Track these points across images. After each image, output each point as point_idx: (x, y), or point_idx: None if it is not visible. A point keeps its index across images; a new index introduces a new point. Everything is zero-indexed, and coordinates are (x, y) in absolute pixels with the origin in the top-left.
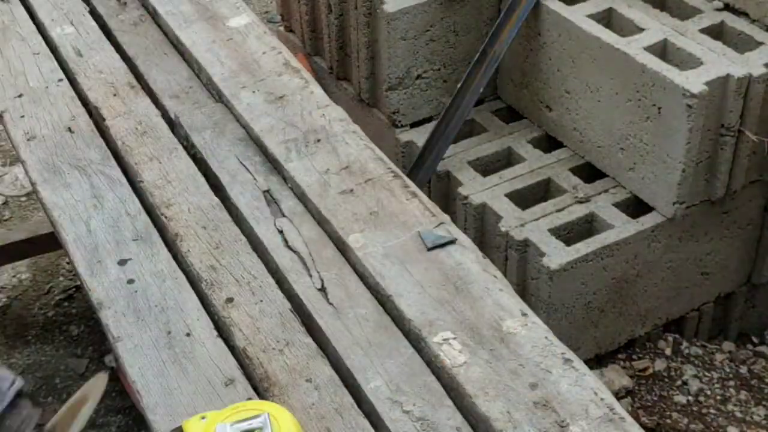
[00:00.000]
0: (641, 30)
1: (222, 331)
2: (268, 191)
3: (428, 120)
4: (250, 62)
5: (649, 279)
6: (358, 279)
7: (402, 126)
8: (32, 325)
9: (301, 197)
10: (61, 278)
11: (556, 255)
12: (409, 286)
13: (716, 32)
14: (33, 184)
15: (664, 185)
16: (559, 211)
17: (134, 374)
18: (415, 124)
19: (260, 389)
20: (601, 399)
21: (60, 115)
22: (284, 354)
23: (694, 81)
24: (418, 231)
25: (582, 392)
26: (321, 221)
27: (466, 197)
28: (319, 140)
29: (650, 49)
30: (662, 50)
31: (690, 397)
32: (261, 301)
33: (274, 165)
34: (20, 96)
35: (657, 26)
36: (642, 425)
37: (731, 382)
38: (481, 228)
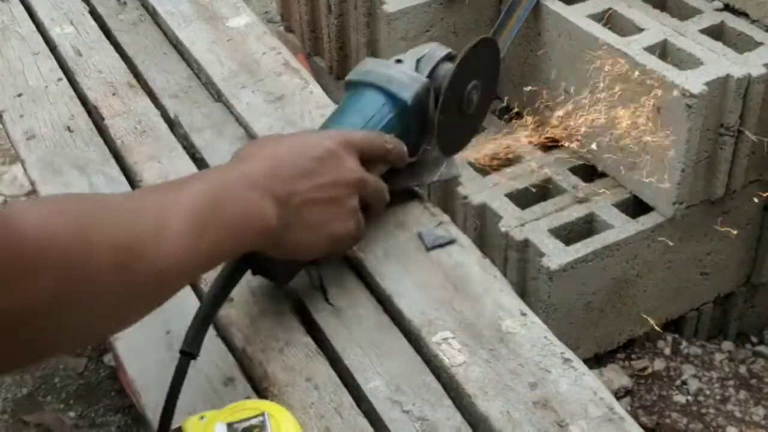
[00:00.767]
0: (641, 30)
1: (221, 330)
2: None
3: None
4: (249, 62)
5: (649, 279)
6: (357, 278)
7: None
8: None
9: None
10: None
11: (556, 255)
12: (408, 285)
13: (716, 32)
14: (32, 183)
15: (663, 185)
16: (558, 211)
17: (133, 373)
18: None
19: (259, 389)
20: (601, 399)
21: (59, 114)
22: (283, 353)
23: (693, 81)
24: (418, 231)
25: (581, 392)
26: None
27: (465, 197)
28: None
29: (650, 49)
30: (662, 50)
31: (689, 397)
32: (260, 300)
33: None
34: (19, 95)
35: (657, 26)
36: (641, 425)
37: (731, 382)
38: (481, 228)
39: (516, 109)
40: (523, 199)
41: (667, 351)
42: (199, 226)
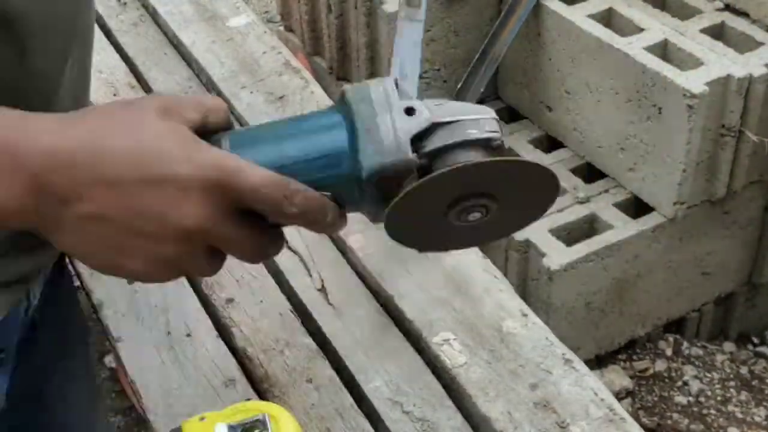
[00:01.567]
0: (641, 30)
1: (222, 331)
2: None
3: None
4: (250, 62)
5: (650, 279)
6: (358, 279)
7: None
8: None
9: None
10: None
11: (557, 255)
12: (409, 286)
13: (717, 32)
14: None
15: (664, 185)
16: (559, 211)
17: (134, 374)
18: None
19: (260, 390)
20: (602, 399)
21: None
22: (284, 354)
23: (694, 81)
24: None
25: (582, 393)
26: None
27: None
28: None
29: (650, 49)
30: (663, 50)
31: (690, 398)
32: (261, 301)
33: None
34: None
35: (657, 26)
36: (642, 426)
37: (732, 383)
38: None
39: (516, 109)
40: None
41: (669, 352)
42: None
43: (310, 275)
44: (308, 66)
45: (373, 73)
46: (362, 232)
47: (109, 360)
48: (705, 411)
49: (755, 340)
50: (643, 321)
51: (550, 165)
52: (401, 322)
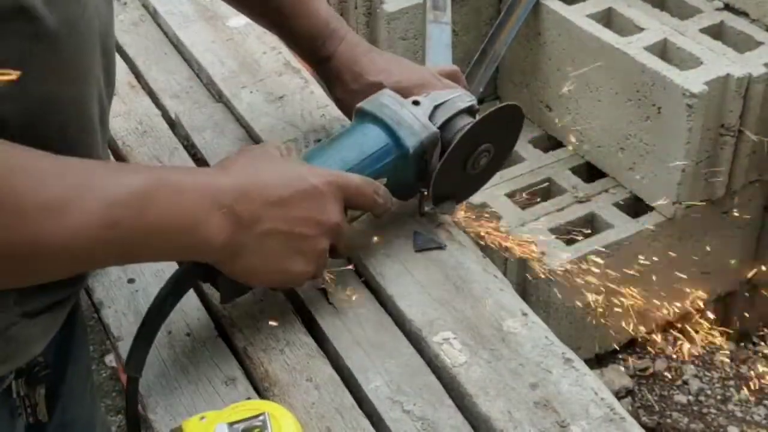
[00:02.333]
0: (641, 30)
1: (222, 330)
2: None
3: None
4: (250, 62)
5: (649, 278)
6: (358, 279)
7: None
8: None
9: None
10: None
11: (557, 255)
12: (409, 286)
13: (716, 32)
14: None
15: (664, 185)
16: (559, 210)
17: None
18: None
19: (260, 389)
20: (602, 399)
21: None
22: (284, 353)
23: (694, 81)
24: (414, 231)
25: (582, 392)
26: None
27: None
28: (319, 140)
29: (650, 48)
30: (662, 50)
31: (690, 397)
32: (261, 300)
33: None
34: None
35: (657, 26)
36: (642, 425)
37: (731, 382)
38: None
39: None
40: (524, 199)
41: (668, 351)
42: (113, 216)
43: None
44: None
45: None
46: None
47: (109, 360)
48: (705, 410)
49: (755, 340)
50: (643, 320)
51: (550, 164)
52: (401, 322)
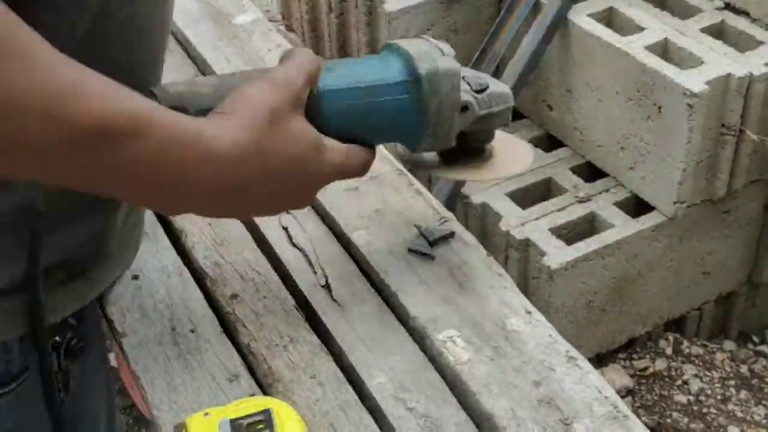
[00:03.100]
0: (642, 29)
1: (226, 327)
2: None
3: None
4: (255, 60)
5: (650, 278)
6: (362, 276)
7: None
8: None
9: None
10: None
11: (557, 254)
12: (413, 283)
13: (717, 31)
14: None
15: (664, 184)
16: (559, 210)
17: (139, 370)
18: None
19: (264, 385)
20: (605, 397)
21: None
22: (288, 350)
23: (694, 80)
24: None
25: (586, 390)
26: (325, 218)
27: (467, 197)
28: None
29: (651, 48)
30: (663, 49)
31: (690, 397)
32: (265, 297)
33: None
34: None
35: (658, 25)
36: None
37: (732, 382)
38: (482, 227)
39: (517, 108)
40: (525, 198)
41: (669, 351)
42: (105, 127)
43: (314, 271)
44: None
45: None
46: (366, 229)
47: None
48: (705, 410)
49: (755, 339)
50: (644, 320)
51: (551, 164)
52: (405, 319)
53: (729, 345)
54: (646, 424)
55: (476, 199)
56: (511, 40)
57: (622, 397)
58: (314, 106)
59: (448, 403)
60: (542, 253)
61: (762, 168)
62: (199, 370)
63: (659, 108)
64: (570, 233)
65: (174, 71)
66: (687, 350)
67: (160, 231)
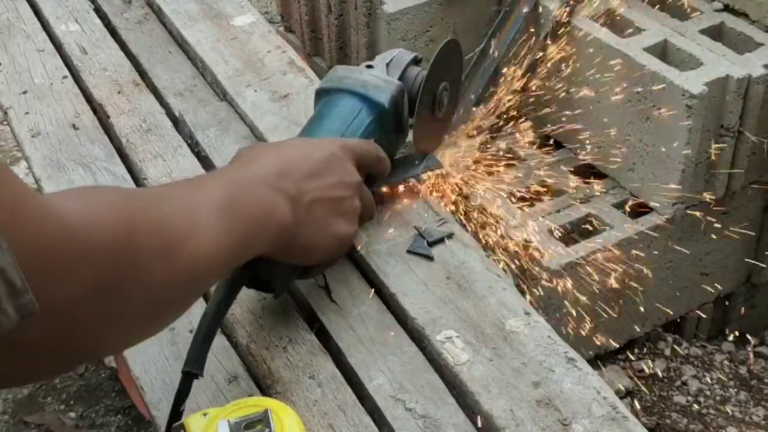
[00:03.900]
0: (641, 30)
1: (225, 328)
2: None
3: None
4: (254, 61)
5: (649, 279)
6: (361, 277)
7: None
8: None
9: None
10: None
11: (556, 255)
12: (412, 284)
13: (716, 33)
14: (37, 180)
15: (663, 186)
16: (558, 211)
17: (137, 371)
18: None
19: (263, 386)
20: (604, 398)
21: (64, 111)
22: (287, 351)
23: (693, 81)
24: (417, 229)
25: (585, 391)
26: None
27: (465, 197)
28: None
29: (650, 49)
30: (662, 51)
31: (689, 398)
32: (264, 298)
33: None
34: (25, 93)
35: (657, 27)
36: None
37: (731, 383)
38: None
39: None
40: (523, 199)
41: (667, 352)
42: (227, 220)
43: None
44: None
45: None
46: (365, 230)
47: (109, 360)
48: (704, 411)
49: (754, 340)
50: (642, 321)
51: (550, 165)
52: (404, 320)
53: (728, 346)
54: (644, 425)
55: (474, 200)
56: (511, 41)
57: (622, 398)
58: None
59: (447, 403)
60: (541, 254)
61: (761, 169)
62: None
63: (658, 109)
64: (569, 234)
65: (172, 72)
66: (686, 351)
67: None
